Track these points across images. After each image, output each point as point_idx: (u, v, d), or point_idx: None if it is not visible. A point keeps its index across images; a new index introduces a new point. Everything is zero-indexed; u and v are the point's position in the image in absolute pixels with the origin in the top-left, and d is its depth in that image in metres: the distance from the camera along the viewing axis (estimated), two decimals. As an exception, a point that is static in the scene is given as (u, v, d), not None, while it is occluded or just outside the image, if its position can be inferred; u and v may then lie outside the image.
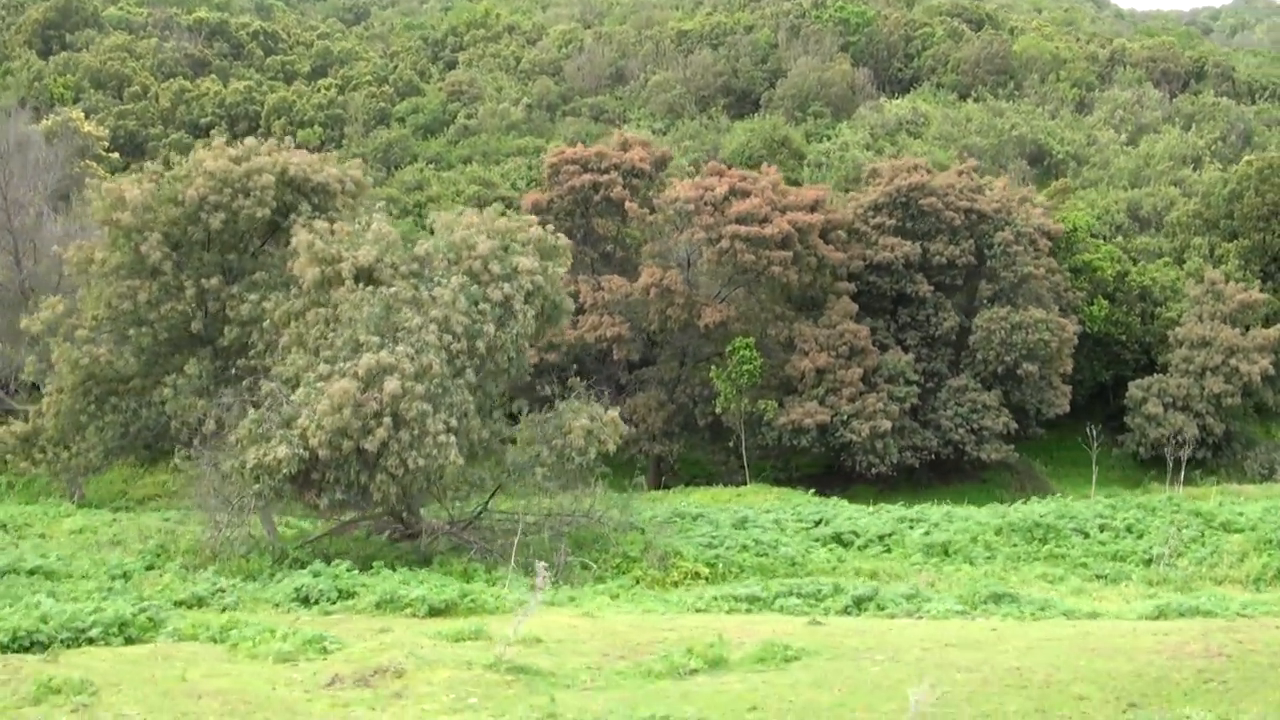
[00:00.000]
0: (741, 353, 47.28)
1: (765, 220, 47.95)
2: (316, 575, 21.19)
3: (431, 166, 73.96)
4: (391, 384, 22.98)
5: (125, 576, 22.14)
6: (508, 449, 25.64)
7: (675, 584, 24.63)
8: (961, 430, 52.32)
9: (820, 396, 48.79)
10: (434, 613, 17.96)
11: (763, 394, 48.53)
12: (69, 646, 15.03)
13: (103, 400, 29.05)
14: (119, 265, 29.06)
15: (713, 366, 47.81)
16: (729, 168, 53.35)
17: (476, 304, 25.44)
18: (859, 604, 20.11)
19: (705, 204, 48.29)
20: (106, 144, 71.91)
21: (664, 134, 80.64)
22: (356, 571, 21.63)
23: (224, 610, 19.11)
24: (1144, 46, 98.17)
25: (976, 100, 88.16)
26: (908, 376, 51.28)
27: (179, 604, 19.52)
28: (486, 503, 26.94)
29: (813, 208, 50.54)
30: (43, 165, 51.48)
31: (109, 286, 29.09)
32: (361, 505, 26.46)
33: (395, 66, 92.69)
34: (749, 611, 18.90)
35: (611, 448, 25.98)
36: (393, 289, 25.15)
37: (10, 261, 49.18)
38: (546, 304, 26.89)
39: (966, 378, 53.48)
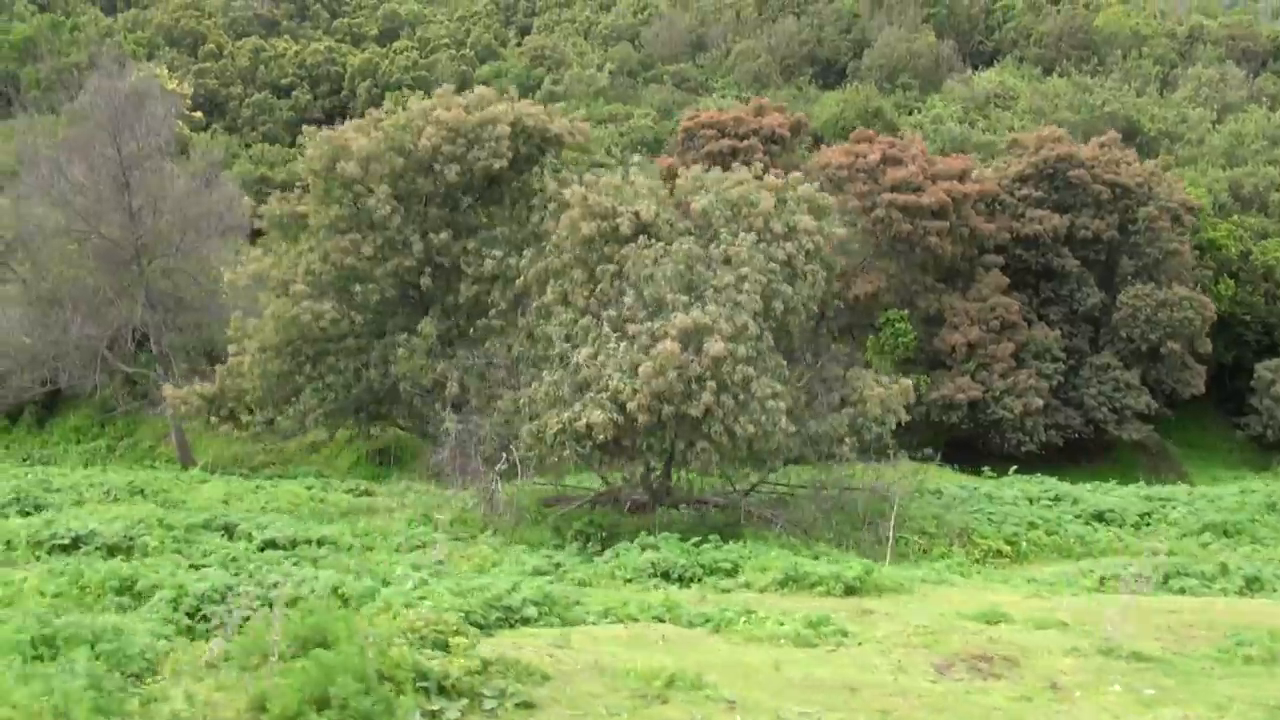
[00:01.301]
0: (896, 325, 45.68)
1: (919, 189, 46.25)
2: (648, 549, 19.61)
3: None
4: (716, 345, 21.26)
5: (424, 548, 20.43)
6: (807, 416, 23.88)
7: (978, 562, 23.12)
8: (1104, 409, 50.80)
9: (971, 371, 47.19)
10: (849, 591, 16.31)
11: (906, 368, 46.91)
12: (507, 627, 13.41)
13: (317, 360, 27.34)
14: (338, 218, 27.35)
15: (869, 338, 46.13)
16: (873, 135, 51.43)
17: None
18: (1250, 585, 18.57)
19: (858, 171, 46.56)
20: (190, 102, 70.11)
21: (746, 102, 78.70)
22: (685, 543, 19.99)
23: (581, 585, 17.46)
24: (1223, 25, 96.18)
25: (1061, 75, 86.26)
26: (1054, 353, 49.73)
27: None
28: (766, 474, 25.23)
29: (961, 177, 48.83)
30: (160, 118, 49.34)
31: (327, 240, 27.36)
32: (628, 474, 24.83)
33: (468, 30, 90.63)
34: (1181, 593, 17.30)
35: (904, 417, 24.30)
36: (685, 245, 23.40)
37: (125, 219, 47.20)
38: (824, 265, 25.19)
39: (1108, 355, 51.91)
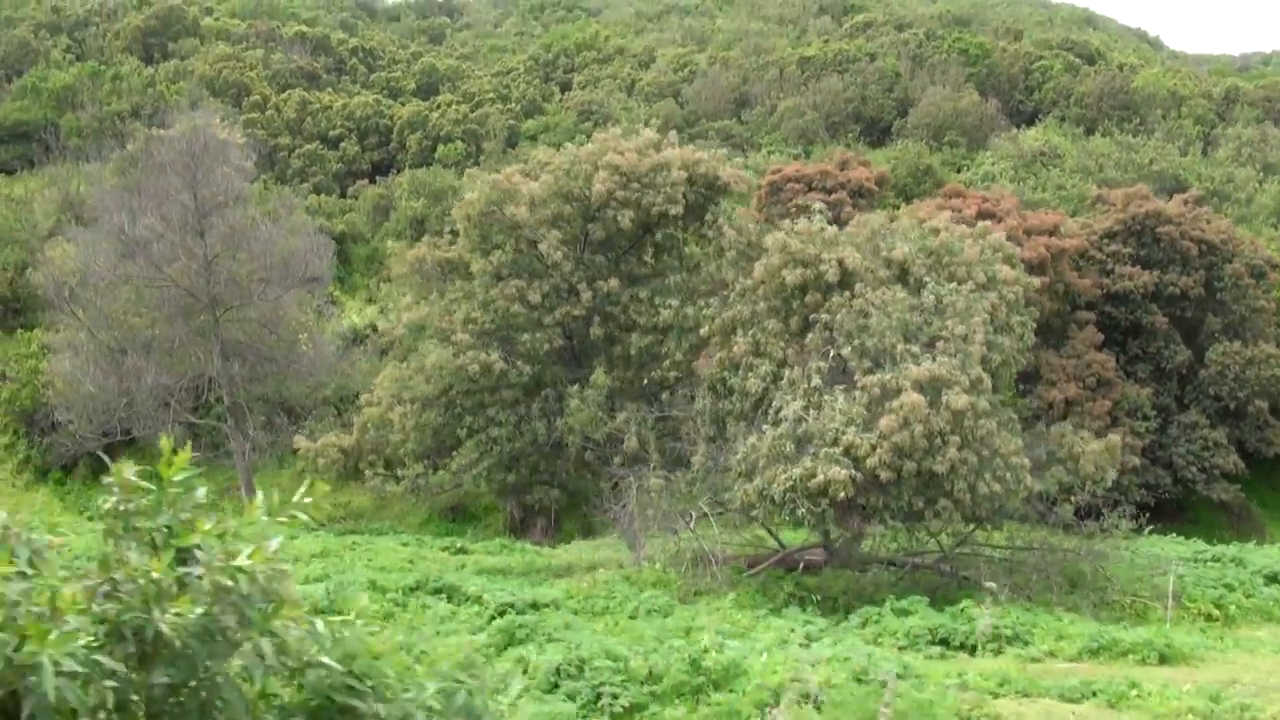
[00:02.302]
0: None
1: (1017, 244, 45.38)
2: (902, 614, 18.42)
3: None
4: (960, 398, 20.18)
5: (664, 613, 19.13)
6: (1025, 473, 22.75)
7: (1194, 626, 21.97)
8: (1193, 468, 49.81)
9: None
10: (1163, 660, 15.14)
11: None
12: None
13: (474, 412, 26.12)
14: (501, 264, 26.27)
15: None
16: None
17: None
18: None
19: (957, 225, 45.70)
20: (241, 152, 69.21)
21: (800, 159, 78.37)
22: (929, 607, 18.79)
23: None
24: (1258, 86, 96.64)
25: (1104, 134, 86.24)
26: (1145, 411, 48.80)
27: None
28: (969, 534, 24.06)
29: (1053, 231, 48.12)
30: (238, 165, 48.39)
31: (489, 287, 26.27)
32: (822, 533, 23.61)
33: (508, 86, 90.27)
34: None
35: (1112, 476, 23.22)
36: (901, 294, 22.39)
37: (199, 267, 46.05)
38: (1027, 316, 24.25)
39: (1195, 413, 51.00)
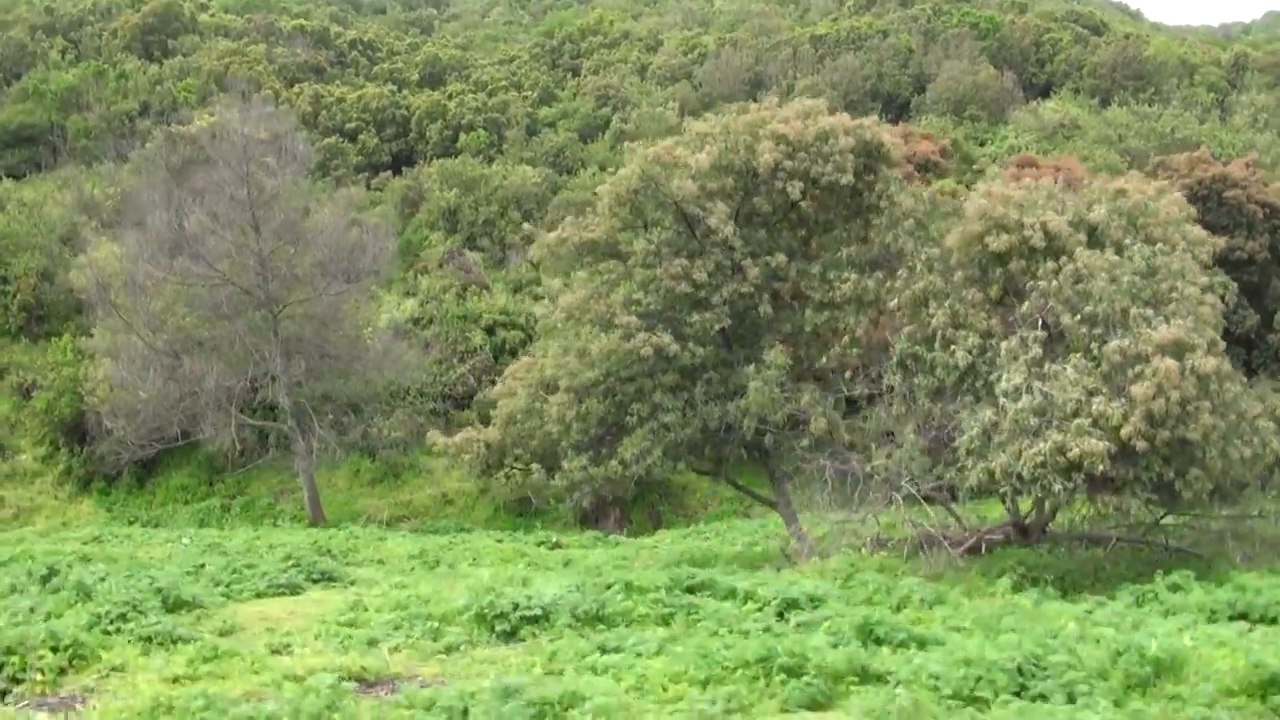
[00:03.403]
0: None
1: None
2: (1177, 589, 17.36)
3: (603, 171, 70.07)
4: (1207, 361, 19.15)
5: (939, 601, 17.82)
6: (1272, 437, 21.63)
7: None
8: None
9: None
10: None
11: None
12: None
13: (639, 399, 24.82)
14: (664, 243, 24.99)
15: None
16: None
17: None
18: None
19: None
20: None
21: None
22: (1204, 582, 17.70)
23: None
24: (1266, 52, 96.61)
25: (1120, 104, 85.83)
26: (1221, 379, 48.15)
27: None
28: (1191, 505, 22.90)
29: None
30: (297, 157, 46.64)
31: (650, 267, 24.95)
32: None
33: (514, 74, 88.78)
34: None
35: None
36: (1113, 257, 21.31)
37: (255, 264, 44.38)
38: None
39: (1264, 379, 50.37)
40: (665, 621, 15.71)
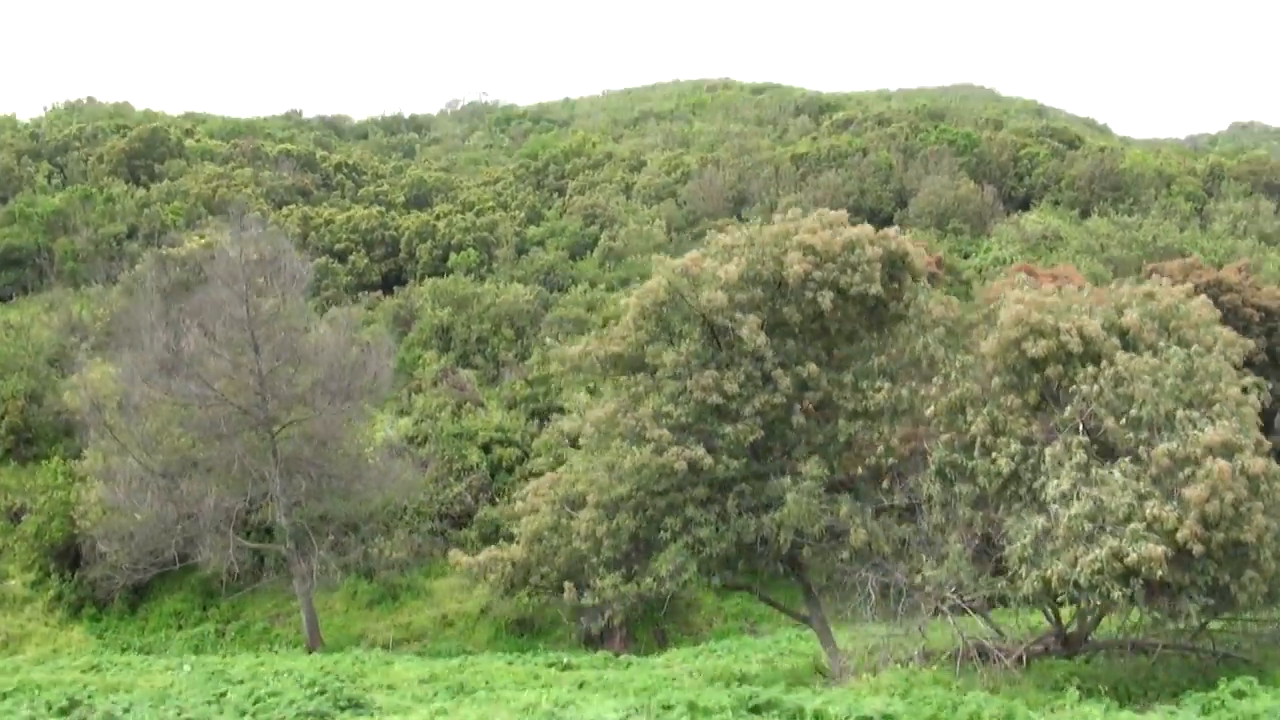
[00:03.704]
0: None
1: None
2: (1242, 695, 16.94)
3: (594, 287, 70.40)
4: (1256, 462, 18.99)
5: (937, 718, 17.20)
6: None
7: None
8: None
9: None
10: None
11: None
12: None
13: (670, 513, 24.36)
14: (693, 354, 24.79)
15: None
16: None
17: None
18: None
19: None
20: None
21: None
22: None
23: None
24: (1241, 162, 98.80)
25: (1100, 215, 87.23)
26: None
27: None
28: (1238, 609, 22.50)
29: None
30: (296, 277, 46.47)
31: (679, 379, 24.69)
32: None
33: (502, 194, 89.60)
34: None
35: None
36: (1152, 361, 21.25)
37: (254, 383, 43.84)
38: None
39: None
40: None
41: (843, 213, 26.54)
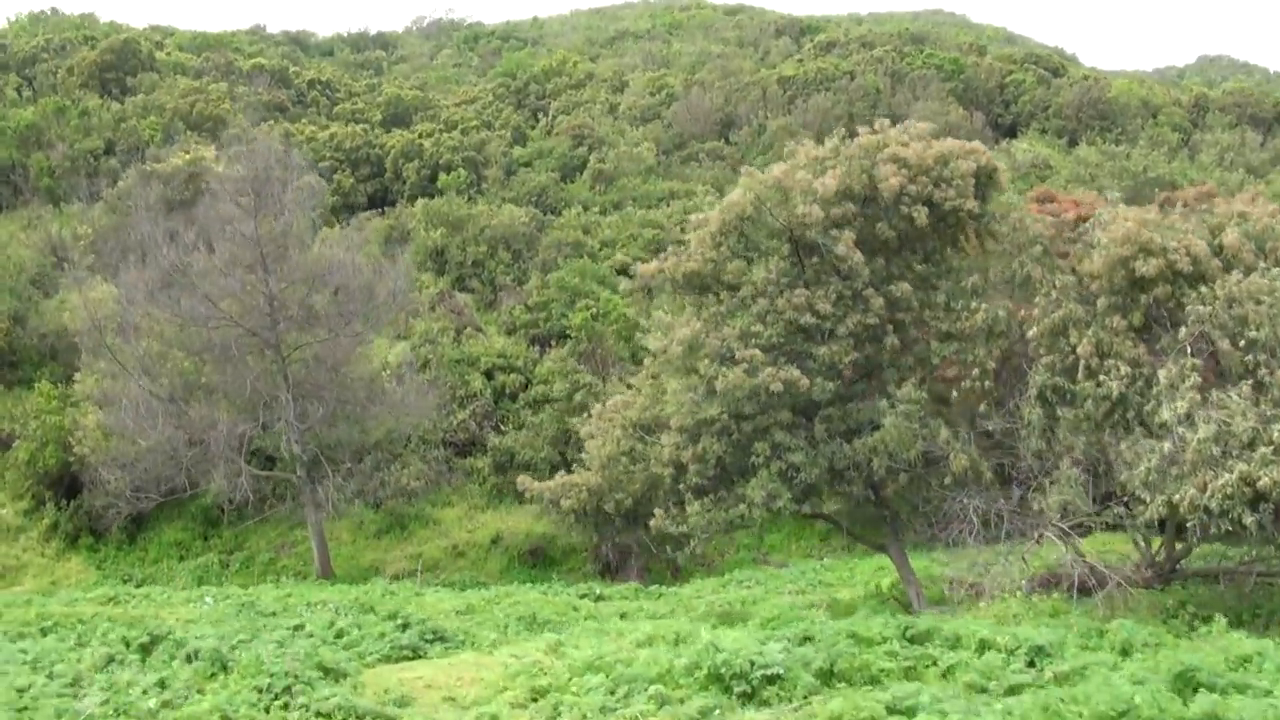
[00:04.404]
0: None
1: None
2: None
3: (588, 210, 69.05)
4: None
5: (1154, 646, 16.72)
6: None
7: None
8: None
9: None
10: None
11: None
12: None
13: (760, 437, 23.59)
14: (783, 273, 23.92)
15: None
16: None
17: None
18: None
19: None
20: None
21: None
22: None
23: None
24: (1226, 93, 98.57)
25: (1089, 144, 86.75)
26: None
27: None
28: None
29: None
30: (309, 193, 44.84)
31: (776, 298, 23.80)
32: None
33: (479, 114, 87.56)
34: None
35: None
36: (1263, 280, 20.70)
37: (265, 305, 42.42)
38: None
39: None
40: (911, 675, 14.52)
41: (927, 125, 25.62)
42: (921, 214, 23.26)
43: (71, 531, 47.63)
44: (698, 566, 49.26)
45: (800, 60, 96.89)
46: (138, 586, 42.13)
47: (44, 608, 33.73)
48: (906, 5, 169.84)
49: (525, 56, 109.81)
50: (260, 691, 14.10)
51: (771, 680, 13.68)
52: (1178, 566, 23.44)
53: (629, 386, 30.03)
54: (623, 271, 61.26)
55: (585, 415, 28.43)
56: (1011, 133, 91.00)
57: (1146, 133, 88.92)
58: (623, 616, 29.08)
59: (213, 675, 15.67)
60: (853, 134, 25.87)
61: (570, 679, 15.00)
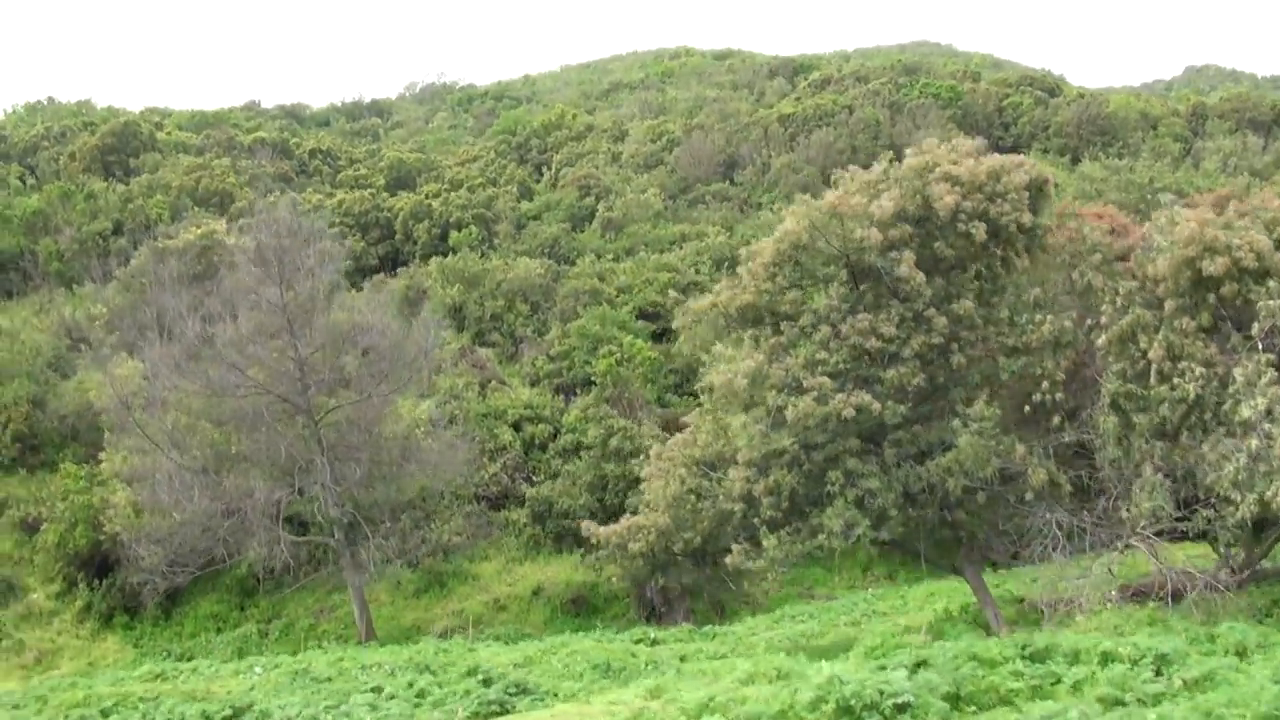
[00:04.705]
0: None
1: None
2: None
3: (600, 259, 68.98)
4: None
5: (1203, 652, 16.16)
6: None
7: None
8: None
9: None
10: None
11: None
12: None
13: (833, 465, 23.17)
14: (842, 299, 23.61)
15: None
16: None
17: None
18: None
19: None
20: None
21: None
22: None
23: None
24: (1223, 100, 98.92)
25: (1092, 160, 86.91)
26: None
27: None
28: None
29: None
30: (329, 256, 44.61)
31: (839, 324, 23.48)
32: None
33: (484, 171, 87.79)
34: None
35: None
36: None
37: (295, 368, 42.00)
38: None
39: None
40: (1040, 694, 14.06)
41: (977, 141, 25.43)
42: (980, 230, 22.99)
43: (105, 611, 47.06)
44: (743, 605, 48.68)
45: (798, 99, 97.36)
46: (178, 661, 41.58)
47: (90, 689, 33.18)
48: (893, 39, 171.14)
49: (522, 114, 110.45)
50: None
51: (902, 709, 13.26)
52: (1257, 567, 22.99)
53: (667, 427, 29.62)
54: (643, 315, 61.23)
55: (630, 459, 27.93)
56: (1014, 152, 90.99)
57: (1148, 145, 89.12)
58: (683, 659, 28.51)
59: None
60: (899, 158, 25.64)
61: (685, 722, 14.57)
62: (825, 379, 22.35)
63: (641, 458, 28.32)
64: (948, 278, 23.85)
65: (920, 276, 22.79)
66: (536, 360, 58.89)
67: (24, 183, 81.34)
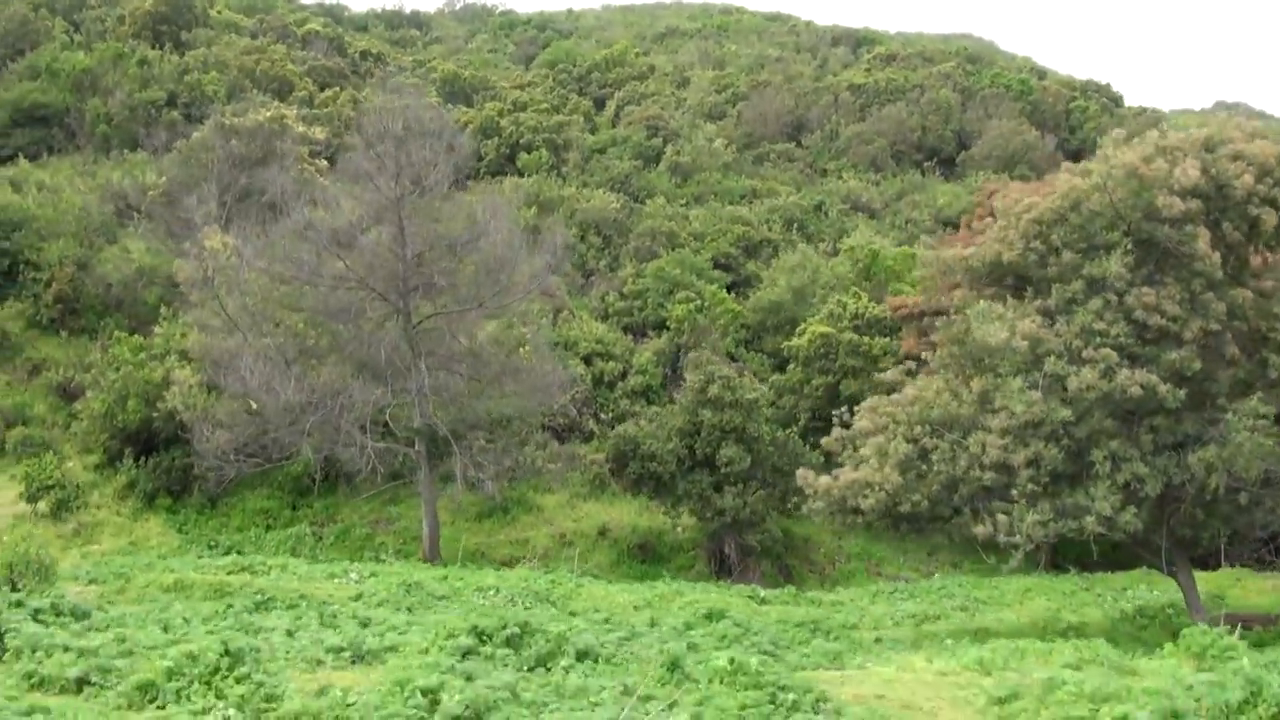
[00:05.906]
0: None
1: None
2: None
3: (669, 202, 67.05)
4: None
5: None
6: None
7: None
8: None
9: None
10: None
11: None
12: None
13: (1095, 444, 21.64)
14: (1129, 268, 22.05)
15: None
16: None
17: None
18: None
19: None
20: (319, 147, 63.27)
21: (876, 185, 76.15)
22: None
23: None
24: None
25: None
26: None
27: None
28: None
29: None
30: (452, 149, 42.26)
31: (1125, 294, 21.91)
32: None
33: (547, 97, 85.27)
34: None
35: None
36: None
37: (401, 267, 39.83)
38: None
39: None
40: None
41: (1257, 121, 23.90)
42: (1272, 217, 21.48)
43: (150, 491, 44.81)
44: (809, 573, 47.56)
45: (867, 69, 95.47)
46: (224, 554, 39.75)
47: (175, 573, 31.33)
48: (935, 29, 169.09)
49: (570, 46, 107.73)
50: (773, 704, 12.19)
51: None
52: None
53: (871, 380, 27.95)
54: (720, 265, 59.49)
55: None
56: (1076, 157, 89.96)
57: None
58: (798, 625, 27.09)
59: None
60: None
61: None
62: (1110, 351, 20.80)
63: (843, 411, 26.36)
64: (1227, 262, 22.37)
65: (1216, 256, 21.28)
66: (607, 296, 57.05)
67: (70, 38, 77.93)
